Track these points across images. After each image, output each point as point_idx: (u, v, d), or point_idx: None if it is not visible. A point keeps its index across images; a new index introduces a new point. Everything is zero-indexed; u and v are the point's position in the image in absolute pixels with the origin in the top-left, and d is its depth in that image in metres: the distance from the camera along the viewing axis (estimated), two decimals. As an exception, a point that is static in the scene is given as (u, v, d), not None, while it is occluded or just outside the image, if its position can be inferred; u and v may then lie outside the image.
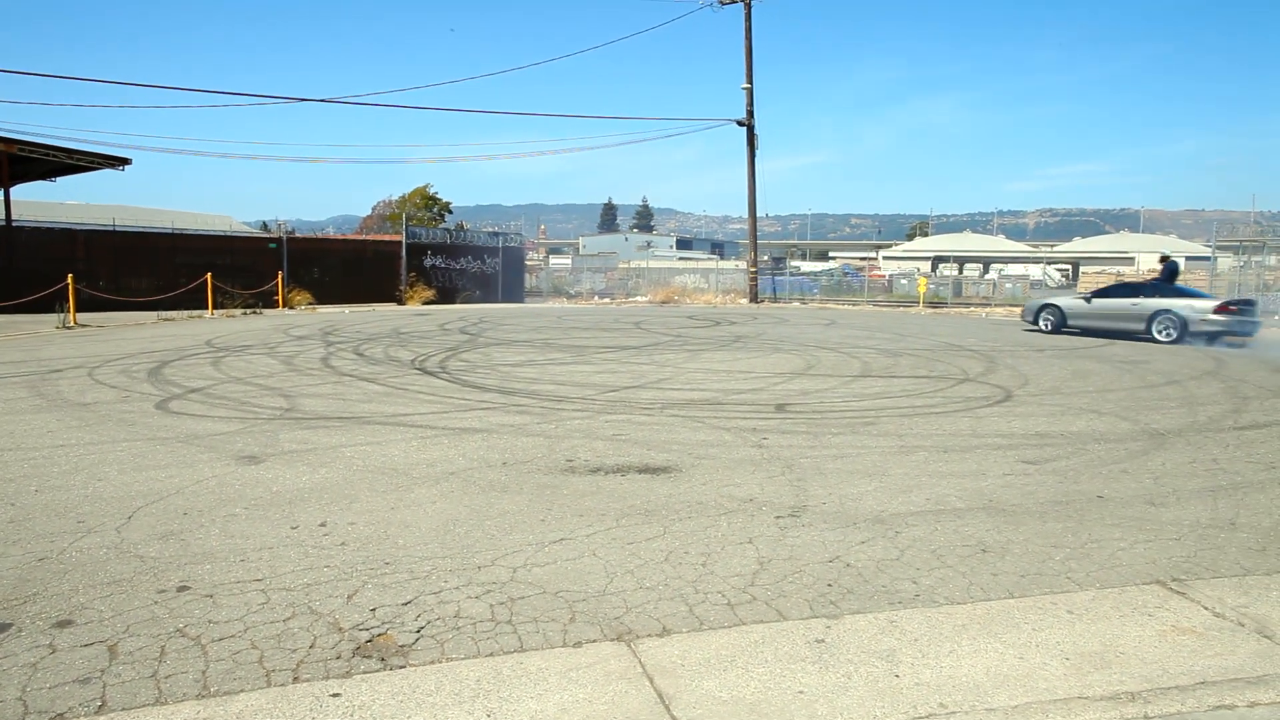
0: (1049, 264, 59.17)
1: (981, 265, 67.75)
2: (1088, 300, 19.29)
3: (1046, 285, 45.63)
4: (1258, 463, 6.70)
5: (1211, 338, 16.75)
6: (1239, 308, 17.37)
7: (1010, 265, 65.78)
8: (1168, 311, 17.42)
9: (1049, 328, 19.53)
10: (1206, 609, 3.92)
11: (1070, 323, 19.23)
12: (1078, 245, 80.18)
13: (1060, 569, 4.39)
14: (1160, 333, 17.36)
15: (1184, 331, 17.02)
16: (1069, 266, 63.44)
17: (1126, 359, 14.16)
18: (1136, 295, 18.45)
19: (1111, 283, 25.54)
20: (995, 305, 34.35)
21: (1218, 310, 17.04)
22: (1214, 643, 3.59)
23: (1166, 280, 19.03)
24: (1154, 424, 8.32)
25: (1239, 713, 3.07)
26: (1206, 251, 35.55)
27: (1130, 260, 53.17)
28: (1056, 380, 11.46)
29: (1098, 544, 4.77)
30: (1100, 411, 9.02)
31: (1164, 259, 20.17)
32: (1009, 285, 44.06)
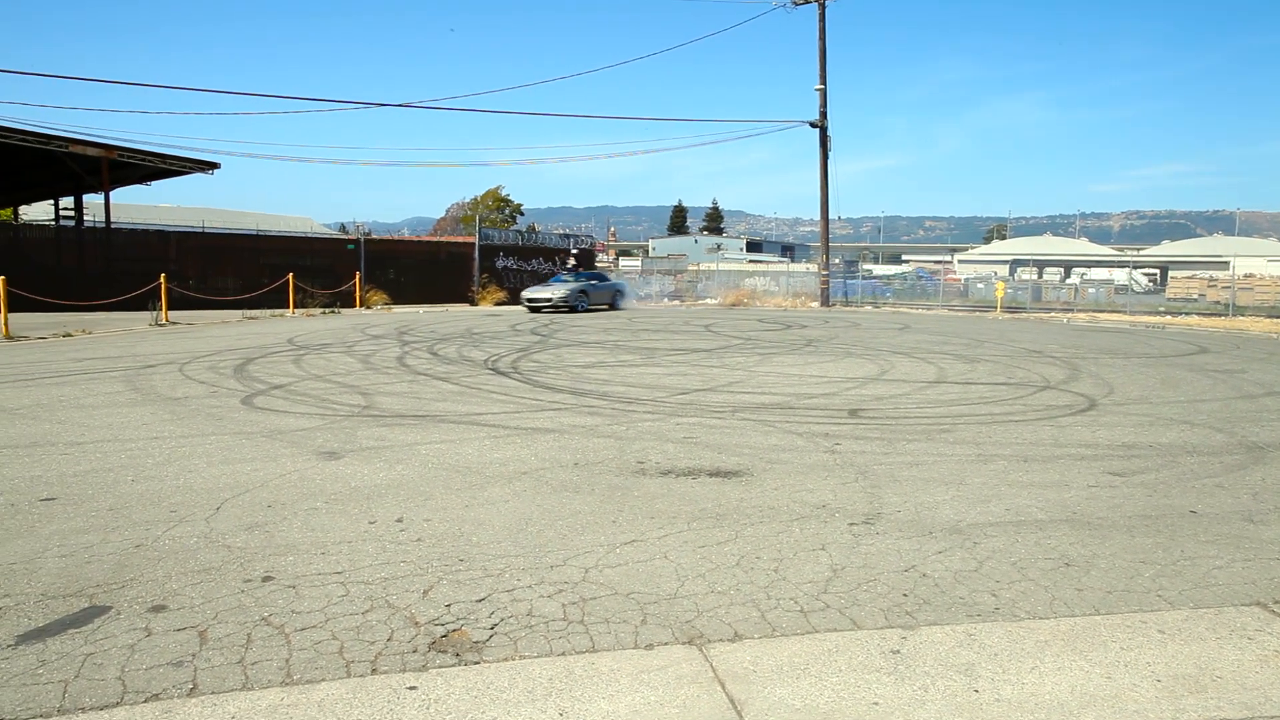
0: (1135, 268, 56.95)
1: (1063, 269, 65.56)
2: None
3: (1133, 290, 43.93)
4: (1367, 480, 6.32)
5: None
6: None
7: (1093, 269, 63.49)
8: None
9: None
10: None
11: None
12: (1167, 249, 76.92)
13: (1150, 586, 4.21)
14: None
15: None
16: (1157, 271, 60.91)
17: (1220, 368, 13.53)
18: None
19: (1203, 288, 24.38)
20: (1078, 311, 33.20)
21: None
22: None
23: None
24: (1252, 436, 7.92)
25: None
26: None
27: (1225, 265, 50.78)
28: (1144, 389, 11.02)
29: (1191, 561, 4.56)
30: (1193, 422, 8.63)
31: None
32: (1092, 290, 42.50)
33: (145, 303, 22.76)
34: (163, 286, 21.98)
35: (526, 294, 28.52)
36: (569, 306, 27.64)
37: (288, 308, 26.32)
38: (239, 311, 25.27)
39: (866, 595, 4.07)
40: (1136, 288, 47.51)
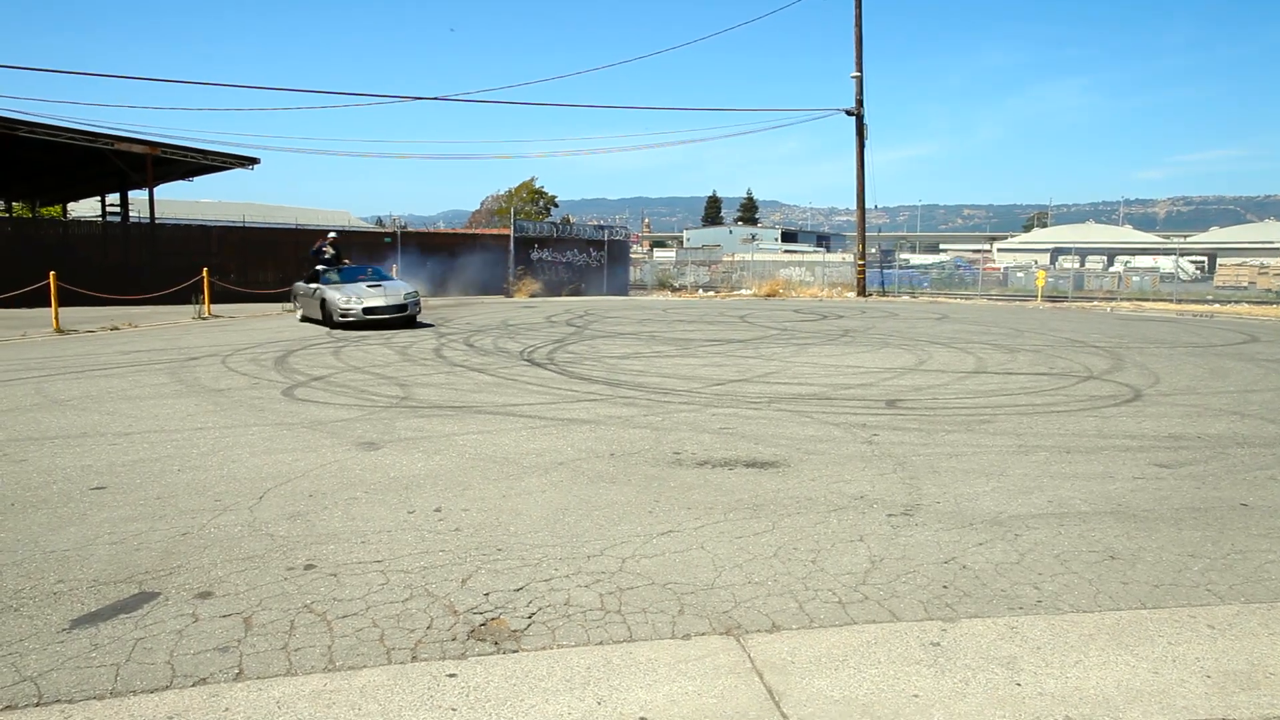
0: (1181, 255, 55.55)
1: (1106, 258, 64.19)
2: None
3: (1179, 278, 42.89)
4: None
5: None
6: None
7: (1138, 257, 62.07)
8: None
9: None
10: None
11: None
12: (1215, 235, 74.91)
13: (1199, 580, 4.12)
14: None
15: None
16: (1204, 258, 59.37)
17: (1272, 357, 13.17)
18: None
19: (1254, 276, 23.76)
20: (1121, 299, 32.51)
21: None
22: None
23: None
24: (1304, 428, 7.70)
25: None
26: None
27: (1276, 252, 49.35)
28: (1191, 379, 10.76)
29: (1242, 555, 4.45)
30: (1243, 413, 8.41)
31: None
32: (1136, 278, 41.58)
33: (188, 296, 23.21)
34: (205, 280, 22.39)
35: (341, 306, 17.69)
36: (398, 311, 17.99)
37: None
38: (279, 304, 25.66)
39: (905, 587, 4.03)
40: (1183, 275, 46.37)
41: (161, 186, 33.46)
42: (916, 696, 3.11)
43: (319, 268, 20.73)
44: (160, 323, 19.71)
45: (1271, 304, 28.62)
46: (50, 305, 17.75)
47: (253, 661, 3.26)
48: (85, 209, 45.90)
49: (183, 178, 33.13)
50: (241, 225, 33.20)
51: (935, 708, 3.04)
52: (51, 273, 17.97)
